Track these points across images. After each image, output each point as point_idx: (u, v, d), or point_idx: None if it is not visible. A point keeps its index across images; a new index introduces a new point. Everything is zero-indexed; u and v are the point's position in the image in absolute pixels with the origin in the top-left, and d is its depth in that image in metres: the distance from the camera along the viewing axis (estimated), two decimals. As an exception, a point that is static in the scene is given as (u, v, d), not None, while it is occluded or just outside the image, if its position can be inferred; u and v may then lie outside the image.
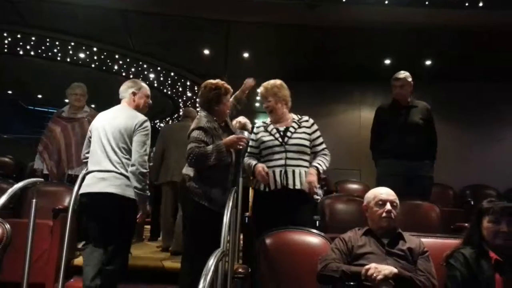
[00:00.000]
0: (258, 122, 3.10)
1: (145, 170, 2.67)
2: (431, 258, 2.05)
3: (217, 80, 2.91)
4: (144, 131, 2.76)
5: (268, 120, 3.01)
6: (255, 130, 2.96)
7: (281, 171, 2.74)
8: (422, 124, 3.73)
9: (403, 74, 3.78)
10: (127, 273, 2.87)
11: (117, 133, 2.72)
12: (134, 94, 2.92)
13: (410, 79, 3.76)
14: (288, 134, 2.84)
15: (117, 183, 2.65)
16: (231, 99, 3.07)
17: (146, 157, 2.71)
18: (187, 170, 2.78)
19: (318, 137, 2.91)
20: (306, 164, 2.83)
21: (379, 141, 3.85)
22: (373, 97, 7.59)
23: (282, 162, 2.77)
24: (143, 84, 3.02)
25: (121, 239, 2.74)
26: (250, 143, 2.93)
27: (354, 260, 2.04)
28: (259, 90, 2.99)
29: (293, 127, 2.88)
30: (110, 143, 2.71)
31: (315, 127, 2.93)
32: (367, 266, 1.86)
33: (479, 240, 1.96)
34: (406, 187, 3.54)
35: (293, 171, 2.75)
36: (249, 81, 3.41)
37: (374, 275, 1.81)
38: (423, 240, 2.16)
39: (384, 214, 2.11)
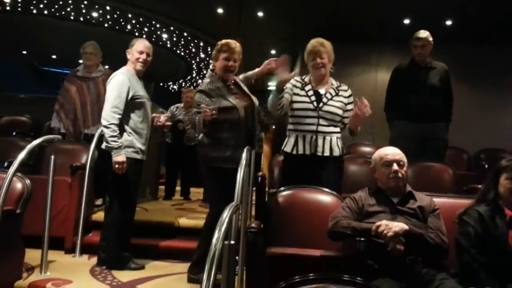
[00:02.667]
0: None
1: (107, 123, 2.80)
2: (443, 217, 2.05)
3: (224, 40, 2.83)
4: (110, 86, 2.88)
5: (305, 77, 2.86)
6: (292, 81, 2.78)
7: (312, 137, 2.68)
8: (439, 86, 3.66)
9: (424, 33, 3.66)
10: (131, 227, 2.99)
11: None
12: (128, 52, 3.00)
13: (431, 39, 3.65)
14: (324, 99, 2.73)
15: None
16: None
17: (114, 110, 2.81)
18: (201, 138, 2.80)
19: (351, 109, 2.78)
20: (337, 131, 2.76)
21: (394, 102, 3.79)
22: (390, 58, 7.39)
23: (313, 128, 2.69)
24: (138, 40, 3.03)
25: (111, 192, 2.91)
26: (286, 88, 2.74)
27: (364, 218, 2.06)
28: (309, 44, 2.79)
29: (330, 93, 2.77)
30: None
31: (352, 99, 2.82)
32: (378, 223, 1.87)
33: (495, 198, 1.94)
34: (420, 148, 3.53)
35: (324, 138, 2.69)
36: (276, 62, 2.81)
37: (385, 231, 1.84)
38: (435, 199, 2.16)
39: (391, 175, 2.10)
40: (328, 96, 2.76)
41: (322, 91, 2.77)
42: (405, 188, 2.15)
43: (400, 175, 2.11)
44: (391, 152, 2.20)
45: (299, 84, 2.80)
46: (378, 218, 1.97)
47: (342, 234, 1.99)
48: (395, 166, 2.12)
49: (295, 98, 2.76)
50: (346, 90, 2.85)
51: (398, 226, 1.85)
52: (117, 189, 2.89)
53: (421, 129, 3.56)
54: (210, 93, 2.70)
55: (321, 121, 2.70)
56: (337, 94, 2.79)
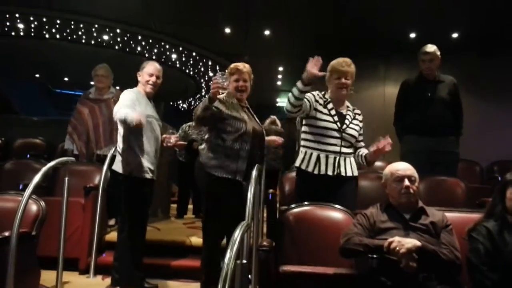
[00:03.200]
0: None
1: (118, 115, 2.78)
2: (455, 232, 2.04)
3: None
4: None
5: (325, 94, 2.84)
6: (314, 94, 2.77)
7: (335, 158, 2.69)
8: (449, 100, 3.65)
9: (432, 47, 3.66)
10: (143, 247, 2.98)
11: None
12: (138, 75, 3.05)
13: (438, 53, 3.66)
14: (347, 122, 2.76)
15: (116, 160, 2.94)
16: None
17: (120, 111, 2.78)
18: (202, 147, 2.82)
19: (362, 133, 2.86)
20: (353, 151, 2.80)
21: (403, 116, 3.79)
22: (398, 72, 7.41)
23: (337, 149, 2.70)
24: (149, 63, 3.07)
25: (123, 212, 2.92)
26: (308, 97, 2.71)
27: (376, 235, 2.05)
28: (336, 63, 2.78)
29: (349, 115, 2.80)
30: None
31: (362, 123, 2.88)
32: (390, 240, 1.86)
33: (503, 212, 1.93)
34: (431, 163, 3.51)
35: (345, 159, 2.71)
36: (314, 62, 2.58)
37: (397, 248, 1.82)
38: (447, 214, 2.15)
39: (403, 190, 2.10)
40: (349, 118, 2.79)
41: (343, 112, 2.79)
42: (416, 203, 2.14)
43: (411, 190, 2.10)
44: (402, 167, 2.20)
45: (321, 101, 2.78)
46: (391, 235, 1.97)
47: (354, 251, 1.98)
48: (406, 182, 2.11)
49: (318, 115, 2.74)
50: (360, 114, 2.90)
51: (411, 242, 1.84)
52: (129, 209, 2.90)
53: (431, 143, 3.55)
54: (226, 102, 2.73)
55: (343, 143, 2.72)
56: (354, 118, 2.83)
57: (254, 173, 2.40)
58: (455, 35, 6.78)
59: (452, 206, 2.59)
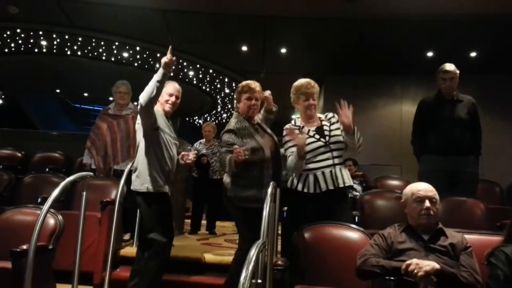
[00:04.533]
0: (295, 117, 3.05)
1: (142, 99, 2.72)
2: (475, 254, 1.99)
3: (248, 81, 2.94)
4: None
5: (297, 121, 2.93)
6: (288, 144, 2.83)
7: (331, 171, 2.71)
8: (467, 119, 3.60)
9: (451, 66, 3.63)
10: (163, 266, 2.92)
11: None
12: None
13: (458, 72, 3.64)
14: (326, 132, 2.80)
15: (133, 179, 2.94)
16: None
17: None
18: (226, 178, 2.84)
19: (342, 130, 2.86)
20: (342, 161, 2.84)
21: (421, 136, 3.75)
22: (415, 90, 7.39)
23: (330, 162, 2.73)
24: (169, 83, 3.02)
25: (143, 233, 2.88)
26: (289, 144, 2.81)
27: (394, 256, 2.02)
28: (302, 86, 2.86)
29: (326, 125, 2.84)
30: None
31: (339, 122, 2.86)
32: (408, 262, 1.83)
33: None
34: (449, 183, 3.45)
35: (340, 169, 2.75)
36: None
37: (415, 271, 1.79)
38: (466, 236, 2.11)
39: (423, 212, 2.07)
40: (326, 128, 2.83)
41: (316, 127, 2.85)
42: (436, 225, 2.10)
43: (432, 212, 2.07)
44: (424, 188, 2.17)
45: (297, 131, 2.81)
46: (409, 256, 1.93)
47: (371, 273, 1.95)
48: (427, 203, 2.08)
49: None
50: (333, 116, 2.91)
51: (429, 265, 1.81)
52: (146, 226, 2.85)
53: (450, 163, 3.49)
54: (238, 132, 2.77)
55: (335, 153, 2.76)
56: (331, 123, 2.86)
57: (269, 190, 2.40)
58: (473, 54, 6.74)
59: (471, 227, 2.53)
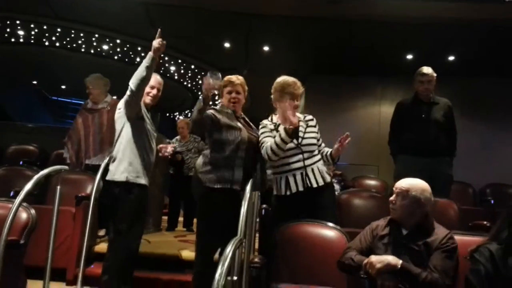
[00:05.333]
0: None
1: (132, 84, 2.72)
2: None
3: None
4: (121, 104, 2.90)
5: (274, 118, 2.87)
6: (264, 129, 2.80)
7: (302, 173, 2.70)
8: (443, 121, 3.69)
9: (428, 69, 3.71)
10: (135, 260, 2.92)
11: None
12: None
13: (435, 75, 3.72)
14: (300, 134, 2.77)
15: (111, 170, 2.89)
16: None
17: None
18: (199, 161, 2.82)
19: (320, 136, 2.90)
20: (319, 158, 2.81)
21: (398, 136, 3.82)
22: (394, 92, 7.48)
23: (300, 164, 2.71)
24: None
25: (116, 221, 2.83)
26: (266, 132, 2.76)
27: (374, 248, 2.08)
28: (288, 85, 2.79)
29: (301, 126, 2.80)
30: None
31: (317, 126, 2.90)
32: (365, 260, 1.91)
33: (508, 238, 1.92)
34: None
35: (312, 170, 2.72)
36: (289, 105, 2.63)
37: (370, 269, 1.86)
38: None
39: (390, 205, 2.12)
40: (302, 130, 2.79)
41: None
42: (412, 220, 2.11)
43: (391, 204, 2.13)
44: (399, 182, 2.22)
45: (272, 126, 2.80)
46: (383, 251, 1.99)
47: (347, 266, 2.01)
48: (392, 196, 2.16)
49: None
50: (312, 119, 2.91)
51: (383, 262, 1.85)
52: (127, 216, 2.81)
53: (425, 163, 3.56)
54: (221, 111, 2.75)
55: (306, 155, 2.73)
56: (308, 126, 2.84)
57: (248, 187, 2.39)
58: (451, 57, 6.88)
59: (444, 227, 2.58)
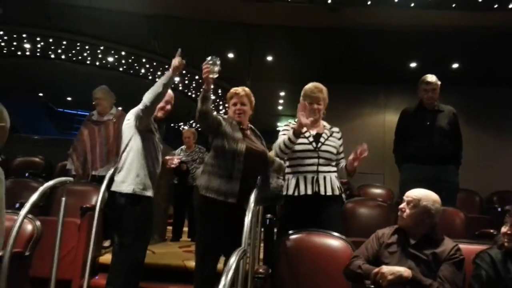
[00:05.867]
0: (281, 126, 3.00)
1: (147, 100, 2.72)
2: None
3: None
4: (130, 115, 2.90)
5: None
6: (286, 127, 2.84)
7: (313, 177, 2.70)
8: (448, 129, 3.67)
9: (432, 77, 3.69)
10: (141, 271, 2.88)
11: None
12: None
13: (439, 83, 3.71)
14: (321, 140, 2.80)
15: (117, 181, 2.87)
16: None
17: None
18: (199, 170, 2.83)
19: (342, 151, 2.91)
20: (335, 169, 2.81)
21: (403, 145, 3.79)
22: (398, 100, 7.49)
23: (314, 168, 2.72)
24: None
25: (122, 232, 2.80)
26: (285, 131, 2.80)
27: (381, 257, 2.06)
28: (308, 89, 2.84)
29: (325, 133, 2.84)
30: None
31: (342, 140, 2.92)
32: (376, 269, 1.88)
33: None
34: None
35: (324, 177, 2.72)
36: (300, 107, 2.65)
37: (380, 279, 1.84)
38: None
39: (399, 213, 2.11)
40: (324, 136, 2.83)
41: (316, 133, 2.84)
42: (421, 230, 2.09)
43: (400, 213, 2.11)
44: (410, 191, 2.20)
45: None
46: (389, 259, 1.96)
47: (354, 274, 1.99)
48: (402, 204, 2.14)
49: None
50: (338, 132, 2.93)
51: (396, 273, 1.83)
52: (128, 230, 2.79)
53: (430, 172, 3.53)
54: (227, 120, 2.76)
55: (321, 161, 2.75)
56: (331, 135, 2.86)
57: (252, 197, 2.38)
58: (455, 65, 6.87)
59: (451, 236, 2.54)
